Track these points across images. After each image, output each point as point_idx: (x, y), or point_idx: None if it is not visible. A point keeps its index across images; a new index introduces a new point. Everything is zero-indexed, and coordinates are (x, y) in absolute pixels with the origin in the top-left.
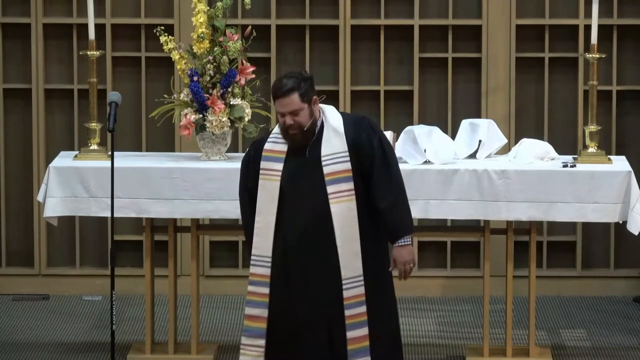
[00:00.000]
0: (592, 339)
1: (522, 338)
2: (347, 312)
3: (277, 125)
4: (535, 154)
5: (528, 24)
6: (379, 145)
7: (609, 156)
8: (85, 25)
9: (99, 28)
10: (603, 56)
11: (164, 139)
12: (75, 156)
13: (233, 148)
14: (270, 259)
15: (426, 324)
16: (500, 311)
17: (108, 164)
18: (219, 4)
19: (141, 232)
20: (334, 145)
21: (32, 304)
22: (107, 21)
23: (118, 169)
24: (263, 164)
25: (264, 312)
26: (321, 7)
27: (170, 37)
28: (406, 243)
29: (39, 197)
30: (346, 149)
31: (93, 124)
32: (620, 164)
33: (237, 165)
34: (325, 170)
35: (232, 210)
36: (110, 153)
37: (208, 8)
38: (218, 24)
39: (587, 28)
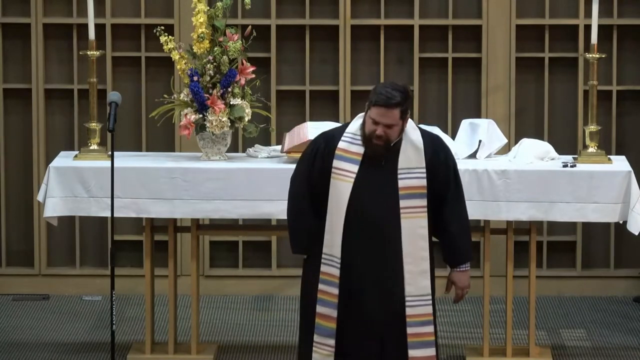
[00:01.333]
0: (592, 339)
1: (522, 338)
2: (409, 330)
3: (353, 125)
4: (535, 154)
5: (528, 24)
6: (454, 168)
7: (609, 156)
8: (85, 25)
9: (99, 28)
10: (603, 56)
11: (164, 139)
12: (75, 156)
13: (233, 148)
14: (339, 260)
15: None
16: (500, 311)
17: (108, 164)
18: (219, 4)
19: (141, 232)
20: (412, 160)
21: (32, 304)
22: (107, 21)
23: (118, 169)
24: (336, 163)
25: (333, 312)
26: (321, 7)
27: (170, 37)
28: (467, 269)
29: (39, 197)
30: (424, 164)
31: (93, 124)
32: (620, 164)
33: (237, 165)
34: (401, 183)
35: (232, 210)
36: (110, 153)
37: (208, 8)
38: (218, 24)
39: (587, 28)
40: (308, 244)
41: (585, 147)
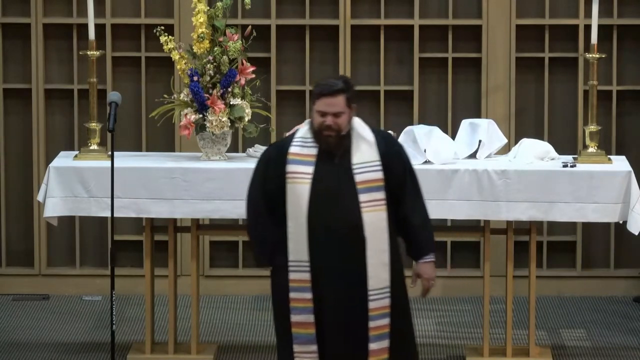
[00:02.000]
0: (592, 339)
1: (522, 338)
2: (371, 324)
3: (300, 130)
4: (535, 154)
5: (528, 24)
6: (408, 162)
7: (609, 156)
8: (85, 25)
9: (99, 28)
10: (603, 56)
11: (164, 139)
12: (75, 156)
13: (233, 148)
14: (308, 263)
15: (426, 324)
16: (500, 311)
17: (108, 164)
18: (219, 4)
19: (141, 232)
20: (365, 154)
21: (32, 304)
22: (107, 21)
23: (118, 169)
24: (290, 167)
25: (309, 318)
26: (321, 7)
27: (170, 37)
28: (431, 260)
29: (39, 197)
30: (378, 158)
31: (93, 124)
32: (620, 164)
33: (237, 165)
34: (358, 178)
35: (232, 210)
36: (110, 153)
37: (208, 8)
38: (218, 24)
39: (587, 28)
40: (272, 254)
41: (585, 147)
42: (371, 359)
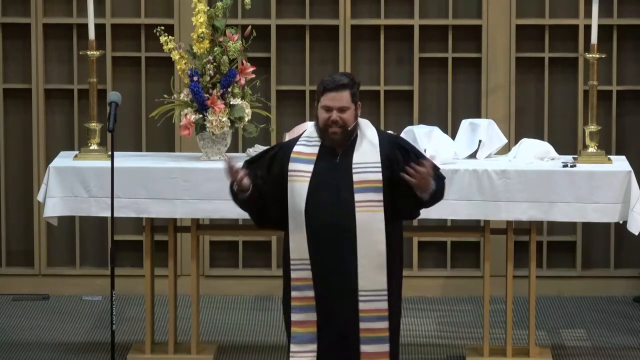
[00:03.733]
0: (592, 339)
1: (522, 338)
2: (362, 325)
3: (309, 130)
4: (535, 154)
5: (528, 24)
6: (414, 149)
7: (609, 156)
8: (85, 25)
9: (99, 28)
10: (603, 56)
11: (164, 139)
12: (75, 156)
13: (233, 148)
14: (309, 261)
15: (426, 324)
16: (500, 311)
17: (108, 164)
18: (219, 4)
19: (141, 232)
20: (366, 154)
21: (32, 304)
22: (107, 21)
23: (118, 169)
24: (292, 166)
25: (311, 316)
26: (321, 7)
27: (170, 37)
28: (438, 178)
29: (39, 197)
30: (379, 160)
31: (93, 124)
32: (620, 164)
33: (237, 165)
34: (356, 177)
35: (232, 210)
36: (110, 153)
37: (208, 8)
38: (218, 24)
39: (587, 28)
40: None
41: (585, 147)
42: None
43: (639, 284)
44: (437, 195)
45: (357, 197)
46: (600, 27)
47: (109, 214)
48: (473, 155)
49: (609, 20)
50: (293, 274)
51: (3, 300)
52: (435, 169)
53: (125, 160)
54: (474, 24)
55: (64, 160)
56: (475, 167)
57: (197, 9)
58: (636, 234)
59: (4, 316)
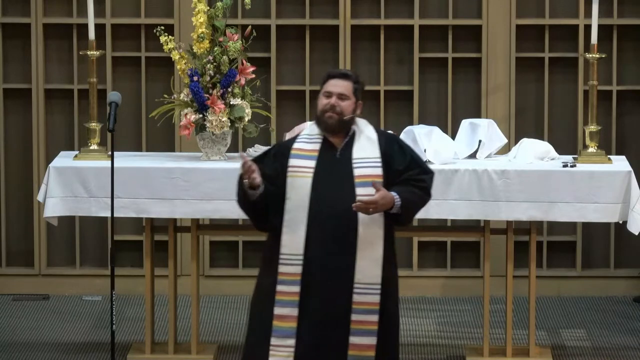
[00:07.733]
0: (592, 339)
1: (522, 338)
2: (353, 317)
3: (309, 128)
4: (535, 154)
5: (528, 24)
6: (411, 151)
7: (609, 156)
8: (85, 25)
9: (99, 28)
10: (603, 56)
11: (164, 139)
12: (75, 156)
13: (233, 148)
14: (302, 256)
15: (426, 324)
16: (500, 311)
17: (108, 164)
18: (219, 4)
19: (141, 232)
20: (366, 150)
21: (32, 304)
22: (107, 21)
23: (118, 169)
24: (292, 162)
25: (293, 311)
26: (321, 7)
27: (170, 37)
28: (396, 203)
29: (39, 197)
30: (379, 155)
31: (93, 124)
32: (620, 164)
33: (237, 165)
34: (356, 172)
35: (232, 210)
36: (110, 153)
37: (208, 8)
38: (218, 24)
39: (587, 28)
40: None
41: (585, 147)
42: (351, 352)
43: (639, 284)
44: (416, 202)
45: (358, 191)
46: (600, 27)
47: (109, 214)
48: (473, 155)
49: (609, 20)
50: (282, 269)
51: (3, 300)
52: (420, 162)
53: (125, 160)
54: (474, 24)
55: (64, 160)
56: (475, 167)
57: (197, 9)
58: (636, 234)
59: (4, 316)
